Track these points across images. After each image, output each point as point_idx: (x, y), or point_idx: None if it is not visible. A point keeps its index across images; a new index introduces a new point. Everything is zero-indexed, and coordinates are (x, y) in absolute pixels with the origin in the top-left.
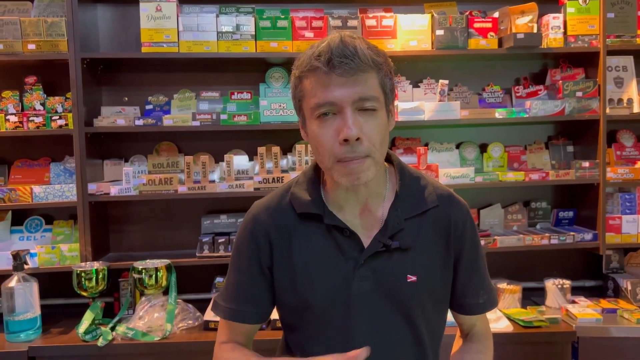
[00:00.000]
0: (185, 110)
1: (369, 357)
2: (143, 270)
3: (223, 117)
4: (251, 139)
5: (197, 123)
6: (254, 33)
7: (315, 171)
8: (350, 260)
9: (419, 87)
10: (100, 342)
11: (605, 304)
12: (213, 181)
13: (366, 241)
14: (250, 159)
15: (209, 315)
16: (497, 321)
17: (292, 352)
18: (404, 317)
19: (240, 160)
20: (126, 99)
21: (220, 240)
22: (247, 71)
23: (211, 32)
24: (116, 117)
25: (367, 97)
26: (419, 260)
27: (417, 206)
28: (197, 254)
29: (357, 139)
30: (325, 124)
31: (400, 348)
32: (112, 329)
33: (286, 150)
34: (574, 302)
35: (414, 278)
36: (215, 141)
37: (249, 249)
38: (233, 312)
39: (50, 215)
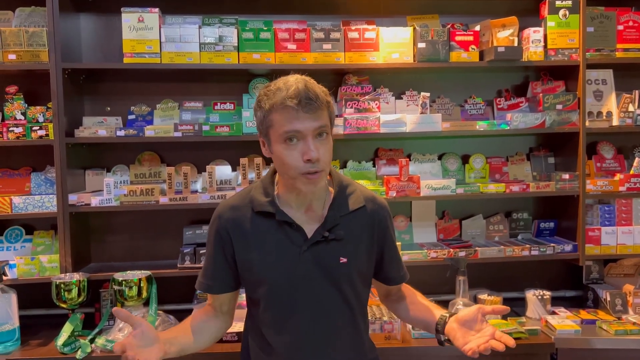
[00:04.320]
0: (168, 120)
1: (313, 322)
2: (123, 282)
3: (205, 128)
4: (235, 148)
5: (178, 134)
6: (236, 44)
7: (271, 178)
8: (296, 248)
9: (401, 98)
10: (79, 355)
11: (584, 314)
12: (195, 191)
13: (309, 233)
14: (234, 169)
15: None
16: None
17: (255, 326)
18: (338, 291)
19: (223, 171)
20: (108, 108)
21: (201, 251)
22: (231, 81)
23: (193, 43)
24: (98, 127)
25: (322, 127)
26: (349, 246)
27: (348, 207)
28: (178, 265)
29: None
30: (291, 147)
31: (336, 315)
32: (92, 341)
33: (269, 160)
34: (554, 312)
35: (345, 260)
36: (199, 151)
37: (215, 241)
38: (202, 285)
39: (32, 225)
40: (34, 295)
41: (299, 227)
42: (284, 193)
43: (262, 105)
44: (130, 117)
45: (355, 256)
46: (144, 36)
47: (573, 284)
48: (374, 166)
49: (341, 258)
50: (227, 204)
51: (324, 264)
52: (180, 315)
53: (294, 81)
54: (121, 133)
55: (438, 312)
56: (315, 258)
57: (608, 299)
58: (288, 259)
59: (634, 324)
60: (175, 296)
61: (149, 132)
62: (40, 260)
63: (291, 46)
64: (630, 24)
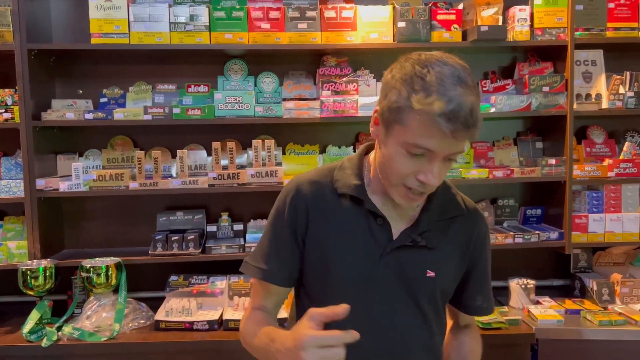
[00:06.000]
0: (141, 103)
1: (382, 339)
2: (91, 269)
3: (176, 110)
4: (210, 133)
5: (148, 117)
6: (208, 24)
7: (360, 160)
8: (379, 246)
9: None
10: (45, 343)
11: (570, 304)
12: (168, 177)
13: (395, 233)
14: (209, 154)
15: (161, 314)
16: None
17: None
18: (418, 307)
19: (199, 155)
20: (80, 91)
21: (174, 238)
22: (205, 63)
23: (163, 23)
24: (66, 110)
25: (457, 155)
26: (439, 259)
27: (446, 212)
28: (149, 252)
29: None
30: (412, 158)
31: (412, 334)
32: (59, 328)
33: (246, 145)
34: (538, 302)
35: (432, 274)
36: (173, 135)
37: (288, 216)
38: (264, 272)
39: (4, 210)
40: (3, 282)
41: (386, 223)
42: (374, 181)
43: (404, 94)
44: (102, 100)
45: (444, 272)
46: (111, 15)
47: (561, 273)
48: (355, 151)
49: (429, 271)
50: (305, 178)
51: (408, 274)
52: (152, 303)
53: (460, 92)
54: (89, 116)
55: None
56: (398, 265)
57: (595, 288)
58: (366, 258)
59: (619, 314)
60: (147, 284)
61: (118, 115)
62: (8, 246)
63: (265, 25)
64: (622, 1)
